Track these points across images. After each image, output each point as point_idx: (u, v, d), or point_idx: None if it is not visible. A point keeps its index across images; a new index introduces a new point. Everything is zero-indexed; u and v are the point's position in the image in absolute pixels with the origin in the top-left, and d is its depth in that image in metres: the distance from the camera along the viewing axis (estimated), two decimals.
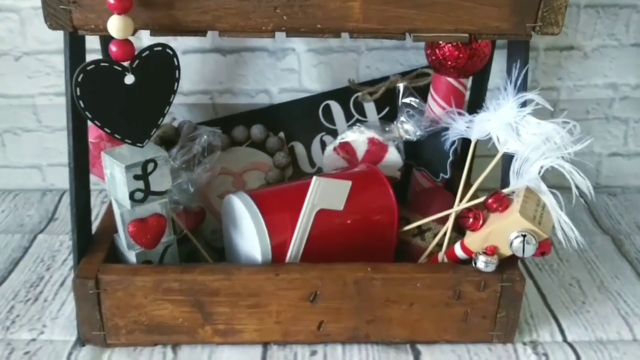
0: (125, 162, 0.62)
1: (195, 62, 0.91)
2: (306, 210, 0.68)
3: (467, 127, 0.73)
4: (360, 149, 0.81)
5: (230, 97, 0.93)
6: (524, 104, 0.68)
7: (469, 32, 0.59)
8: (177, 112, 0.93)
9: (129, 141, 0.60)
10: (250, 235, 0.68)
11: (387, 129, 0.81)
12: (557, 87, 0.96)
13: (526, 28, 0.59)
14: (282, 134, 0.89)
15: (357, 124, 0.82)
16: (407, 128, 0.80)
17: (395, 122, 0.81)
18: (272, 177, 0.85)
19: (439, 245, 0.74)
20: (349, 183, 0.70)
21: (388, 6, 0.57)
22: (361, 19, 0.57)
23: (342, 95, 0.89)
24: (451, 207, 0.75)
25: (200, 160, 0.78)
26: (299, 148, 0.89)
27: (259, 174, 0.87)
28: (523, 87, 0.68)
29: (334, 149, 0.82)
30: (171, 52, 0.58)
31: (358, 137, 0.81)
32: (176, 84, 0.60)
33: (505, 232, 0.62)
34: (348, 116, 0.89)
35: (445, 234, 0.73)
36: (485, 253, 0.65)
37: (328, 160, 0.83)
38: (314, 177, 0.68)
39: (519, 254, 0.62)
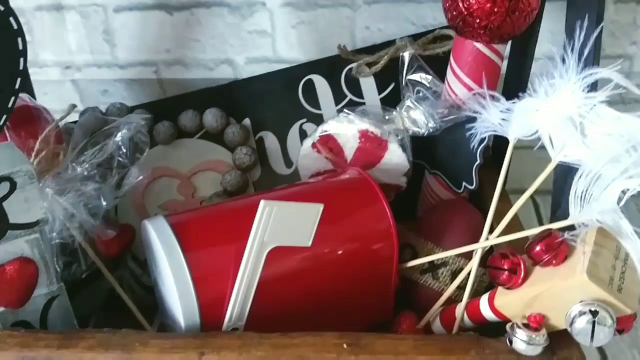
0: None
1: (132, 22, 0.68)
2: (252, 250, 0.45)
3: (504, 119, 0.49)
4: (349, 146, 0.58)
5: (181, 70, 0.70)
6: (593, 86, 0.43)
7: None
8: (114, 90, 0.71)
9: None
10: (169, 285, 0.45)
11: (387, 117, 0.57)
12: (630, 55, 0.71)
13: None
14: (247, 121, 0.66)
15: (345, 111, 0.58)
16: (415, 117, 0.56)
17: (398, 108, 0.57)
18: (230, 183, 0.62)
19: (460, 287, 0.51)
20: (318, 207, 0.46)
21: None
22: None
23: (330, 67, 0.66)
24: (478, 232, 0.51)
25: (123, 164, 0.56)
26: (271, 140, 0.65)
27: (214, 176, 0.64)
28: (593, 59, 0.43)
29: (313, 144, 0.59)
30: (2, 8, 0.34)
31: (346, 129, 0.57)
32: (22, 59, 0.36)
33: (561, 300, 0.38)
34: (338, 96, 0.66)
35: (467, 275, 0.50)
36: (526, 325, 0.41)
37: (305, 160, 0.60)
38: (262, 201, 0.44)
39: (585, 341, 0.38)
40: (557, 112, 0.44)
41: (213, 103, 0.65)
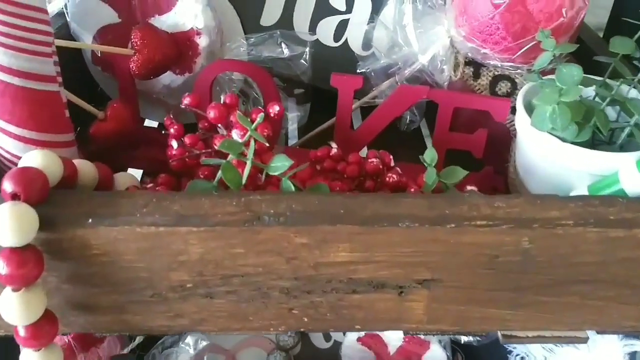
0: None
1: None
2: None
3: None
4: (393, 344, 0.62)
5: None
6: (632, 355, 0.49)
7: (590, 329, 0.39)
8: None
9: None
10: None
11: None
12: None
13: None
14: None
15: None
16: None
17: None
18: None
19: None
20: None
21: (470, 305, 0.36)
22: (425, 320, 0.37)
23: None
24: None
25: None
26: None
27: (258, 352, 0.67)
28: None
29: (358, 338, 0.63)
30: None
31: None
32: None
33: None
34: None
35: None
36: None
37: (349, 351, 0.64)
38: None
39: None
40: None
41: None
